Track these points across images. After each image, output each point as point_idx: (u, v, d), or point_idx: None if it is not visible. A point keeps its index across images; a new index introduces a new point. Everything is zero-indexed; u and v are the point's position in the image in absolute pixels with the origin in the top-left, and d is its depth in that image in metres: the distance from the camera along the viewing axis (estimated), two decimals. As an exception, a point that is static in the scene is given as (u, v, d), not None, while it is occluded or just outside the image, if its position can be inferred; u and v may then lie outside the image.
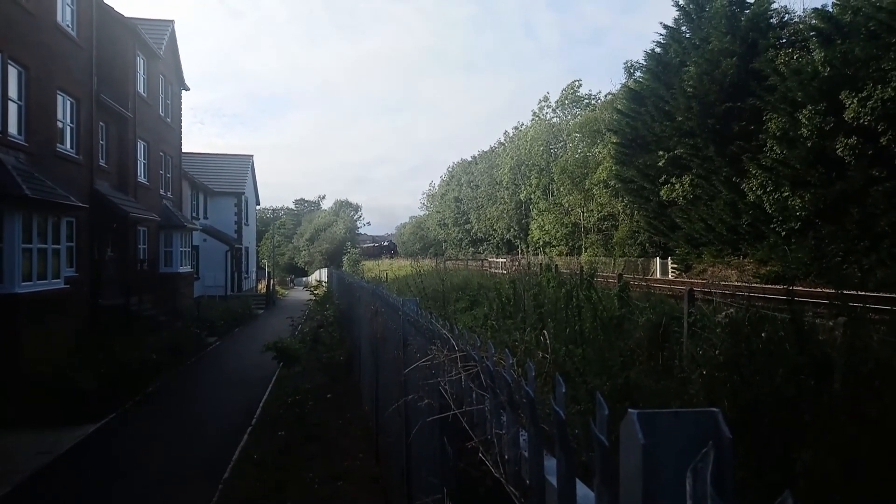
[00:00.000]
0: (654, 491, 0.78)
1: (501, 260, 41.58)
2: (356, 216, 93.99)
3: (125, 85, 19.81)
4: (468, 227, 69.81)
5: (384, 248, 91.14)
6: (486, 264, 38.54)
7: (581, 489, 1.20)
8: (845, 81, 20.53)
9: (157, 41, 22.95)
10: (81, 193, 15.32)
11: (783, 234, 23.19)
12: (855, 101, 19.78)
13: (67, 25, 15.21)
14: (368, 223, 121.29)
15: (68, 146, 15.48)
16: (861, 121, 19.69)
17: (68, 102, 15.42)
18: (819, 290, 14.57)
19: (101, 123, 17.87)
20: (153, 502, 7.25)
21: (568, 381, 6.02)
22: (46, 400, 10.77)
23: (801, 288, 15.95)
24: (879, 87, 19.18)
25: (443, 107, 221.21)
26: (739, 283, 18.90)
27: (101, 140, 18.13)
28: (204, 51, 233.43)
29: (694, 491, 0.71)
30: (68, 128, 15.51)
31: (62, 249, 13.72)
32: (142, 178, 21.32)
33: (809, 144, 21.64)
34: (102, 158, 18.15)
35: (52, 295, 13.03)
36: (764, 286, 18.54)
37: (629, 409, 0.81)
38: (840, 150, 20.45)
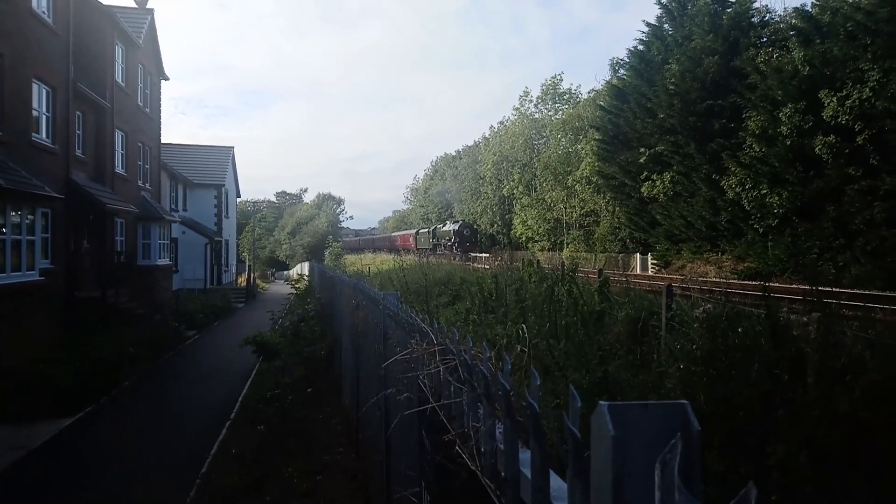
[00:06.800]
0: (623, 482, 0.79)
1: (484, 255, 41.62)
2: (339, 209, 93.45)
3: (103, 74, 19.45)
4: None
5: (459, 237, 45.62)
6: (470, 259, 38.57)
7: (555, 481, 1.20)
8: (824, 81, 20.82)
9: (137, 30, 22.56)
10: (57, 184, 15.04)
11: (761, 231, 23.51)
12: (834, 100, 20.08)
13: (43, 12, 14.88)
14: (351, 217, 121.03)
15: (44, 135, 15.17)
16: (839, 120, 20.00)
17: (44, 91, 15.10)
18: (795, 286, 14.81)
19: (77, 113, 17.53)
20: (128, 497, 7.17)
21: (548, 375, 6.06)
22: (21, 393, 10.58)
23: (777, 284, 16.22)
24: (857, 86, 19.49)
25: (431, 103, 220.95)
26: (717, 279, 19.16)
27: (78, 130, 17.79)
28: (187, 42, 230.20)
29: (662, 482, 0.71)
30: (44, 117, 15.19)
31: (37, 241, 13.47)
32: (119, 169, 20.98)
33: (788, 143, 21.94)
34: (79, 148, 17.82)
35: (27, 287, 12.79)
36: (741, 282, 18.81)
37: (599, 402, 0.81)
38: (818, 148, 20.76)
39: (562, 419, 1.00)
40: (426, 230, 52.89)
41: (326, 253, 66.50)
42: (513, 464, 1.35)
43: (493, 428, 1.54)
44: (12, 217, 12.29)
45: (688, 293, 10.87)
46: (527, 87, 71.68)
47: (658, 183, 28.80)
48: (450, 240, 45.26)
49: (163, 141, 27.59)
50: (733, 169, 24.25)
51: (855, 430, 3.92)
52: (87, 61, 18.29)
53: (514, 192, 50.84)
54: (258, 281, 49.41)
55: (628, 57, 33.93)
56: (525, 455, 1.31)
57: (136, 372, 13.96)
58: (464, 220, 50.75)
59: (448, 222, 51.06)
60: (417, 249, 48.66)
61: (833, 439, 3.91)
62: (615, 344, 7.66)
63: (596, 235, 37.36)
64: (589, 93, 46.50)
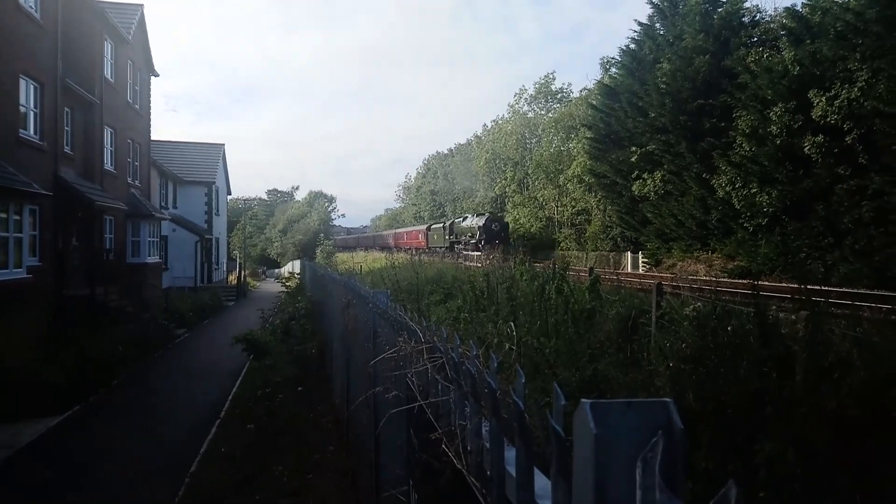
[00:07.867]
0: (605, 481, 0.78)
1: (476, 253, 41.59)
2: (330, 207, 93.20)
3: (92, 70, 19.28)
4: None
5: (486, 232, 36.19)
6: (462, 257, 38.50)
7: (540, 479, 1.19)
8: (814, 80, 20.94)
9: (126, 25, 22.40)
10: (45, 181, 14.90)
11: (751, 229, 23.62)
12: (823, 99, 20.19)
13: (31, 7, 14.72)
14: (343, 215, 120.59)
15: (32, 132, 15.03)
16: (828, 119, 20.11)
17: (32, 87, 14.95)
18: (784, 284, 14.91)
19: (66, 109, 17.38)
20: (116, 498, 7.12)
21: (538, 373, 6.06)
22: (7, 392, 10.49)
23: (766, 283, 16.32)
24: (846, 86, 19.61)
25: (424, 101, 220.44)
26: (707, 278, 19.25)
27: (67, 126, 17.64)
28: (178, 38, 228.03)
29: (643, 481, 0.70)
30: (32, 113, 15.05)
31: (25, 238, 13.35)
32: (108, 166, 20.82)
33: (778, 142, 22.05)
34: (67, 145, 17.66)
35: (15, 285, 12.67)
36: (731, 281, 18.91)
37: (582, 400, 0.80)
38: (807, 147, 20.88)
39: (546, 417, 0.99)
40: (440, 225, 44.89)
41: (318, 251, 66.35)
42: (498, 462, 1.34)
43: (480, 426, 1.53)
44: (-1, 214, 12.18)
45: (678, 291, 10.92)
46: (523, 86, 71.25)
47: (649, 182, 28.88)
48: (473, 236, 37.46)
49: (153, 138, 27.40)
50: (723, 168, 24.36)
51: (842, 427, 3.94)
52: (75, 57, 18.12)
53: (507, 190, 50.94)
54: (249, 279, 49.20)
55: (620, 56, 34.01)
56: (511, 453, 1.30)
57: (125, 370, 13.86)
58: (491, 213, 41.32)
59: (469, 216, 41.62)
60: (429, 248, 41.98)
61: (821, 437, 3.93)
62: (605, 342, 7.68)
63: (587, 234, 37.44)
64: (581, 91, 46.62)
